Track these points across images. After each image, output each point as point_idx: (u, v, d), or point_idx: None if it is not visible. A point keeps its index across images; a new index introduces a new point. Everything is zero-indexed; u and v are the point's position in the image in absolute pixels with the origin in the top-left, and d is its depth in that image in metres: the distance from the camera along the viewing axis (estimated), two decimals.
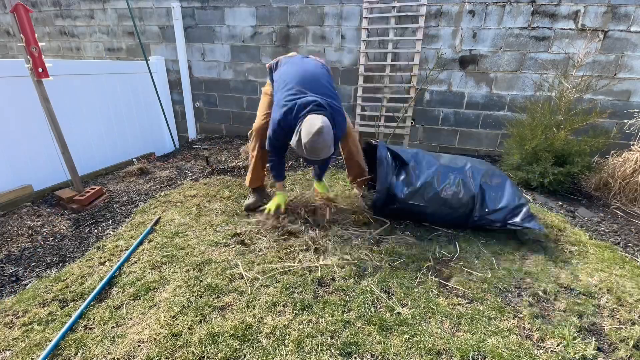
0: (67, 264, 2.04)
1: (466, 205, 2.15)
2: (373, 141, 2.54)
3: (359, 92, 3.96)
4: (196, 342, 1.41)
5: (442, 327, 1.49)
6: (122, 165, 3.76)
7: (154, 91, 4.30)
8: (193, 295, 1.68)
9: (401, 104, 3.87)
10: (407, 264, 1.93)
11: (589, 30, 3.23)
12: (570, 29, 3.30)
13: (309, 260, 1.95)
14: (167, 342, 1.42)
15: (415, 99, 3.80)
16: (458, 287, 1.74)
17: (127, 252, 2.05)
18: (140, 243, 2.18)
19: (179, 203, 2.75)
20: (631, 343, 1.41)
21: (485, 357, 1.35)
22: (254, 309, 1.59)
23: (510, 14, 3.40)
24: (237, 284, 1.76)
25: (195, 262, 1.94)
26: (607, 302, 1.65)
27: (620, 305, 1.64)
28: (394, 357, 1.34)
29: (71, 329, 1.51)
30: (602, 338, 1.46)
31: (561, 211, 2.67)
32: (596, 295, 1.71)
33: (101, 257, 2.04)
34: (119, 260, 1.97)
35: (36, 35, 2.45)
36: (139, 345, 1.41)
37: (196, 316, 1.55)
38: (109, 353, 1.39)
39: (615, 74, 3.32)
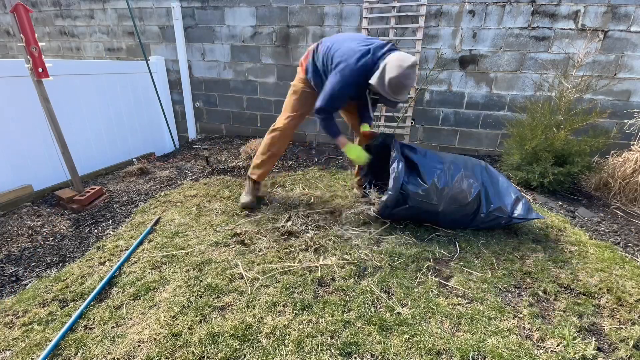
0: (67, 264, 2.04)
1: (473, 202, 2.14)
2: (380, 138, 2.43)
3: None
4: (196, 342, 1.41)
5: (442, 327, 1.49)
6: (122, 165, 3.76)
7: (154, 91, 4.30)
8: (193, 295, 1.68)
9: (401, 104, 3.87)
10: (407, 264, 1.93)
11: (589, 30, 3.23)
12: (570, 29, 3.30)
13: (309, 260, 1.95)
14: (167, 342, 1.42)
15: (415, 99, 3.80)
16: (458, 287, 1.74)
17: (127, 252, 2.05)
18: (140, 243, 2.18)
19: (179, 203, 2.75)
20: (631, 343, 1.41)
21: (485, 357, 1.35)
22: (254, 309, 1.59)
23: (510, 14, 3.40)
24: (237, 284, 1.76)
25: (195, 262, 1.94)
26: (607, 302, 1.65)
27: (620, 305, 1.64)
28: (394, 357, 1.35)
29: (71, 329, 1.51)
30: (602, 338, 1.46)
31: (561, 211, 2.67)
32: (596, 295, 1.71)
33: (101, 257, 2.04)
34: (119, 260, 1.97)
35: (36, 35, 2.45)
36: (139, 345, 1.41)
37: (196, 316, 1.55)
38: (109, 353, 1.39)
39: (615, 74, 3.32)
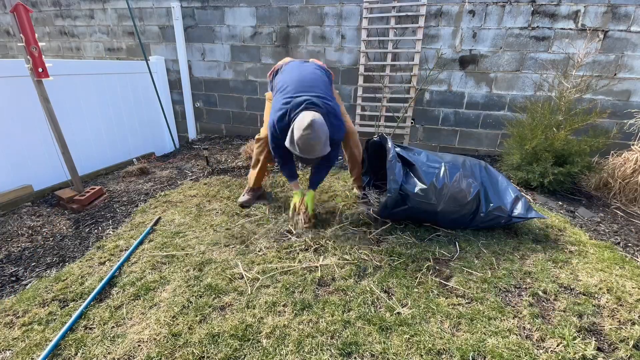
0: (67, 264, 2.04)
1: (472, 202, 2.14)
2: (376, 137, 2.48)
3: (359, 92, 3.96)
4: (196, 342, 1.41)
5: (442, 327, 1.49)
6: (122, 165, 3.76)
7: (154, 91, 4.30)
8: (193, 295, 1.68)
9: (401, 104, 3.87)
10: (407, 264, 1.93)
11: (589, 30, 3.23)
12: (570, 29, 3.30)
13: (309, 260, 1.95)
14: (167, 342, 1.42)
15: (415, 99, 3.80)
16: (458, 287, 1.74)
17: (127, 252, 2.05)
18: (140, 243, 2.18)
19: (179, 203, 2.75)
20: (631, 343, 1.41)
21: (485, 357, 1.35)
22: (254, 309, 1.59)
23: (510, 14, 3.40)
24: (237, 284, 1.76)
25: (195, 262, 1.94)
26: (607, 302, 1.65)
27: (620, 305, 1.64)
28: (394, 357, 1.34)
29: (71, 329, 1.51)
30: (602, 338, 1.46)
31: (561, 211, 2.67)
32: (596, 295, 1.71)
33: (101, 257, 2.04)
34: (119, 260, 1.97)
35: (36, 35, 2.45)
36: (139, 345, 1.41)
37: (196, 316, 1.55)
38: (109, 353, 1.39)
39: (615, 74, 3.32)
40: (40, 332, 1.50)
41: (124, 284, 1.79)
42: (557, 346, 1.39)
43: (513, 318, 1.54)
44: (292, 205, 2.36)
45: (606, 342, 1.44)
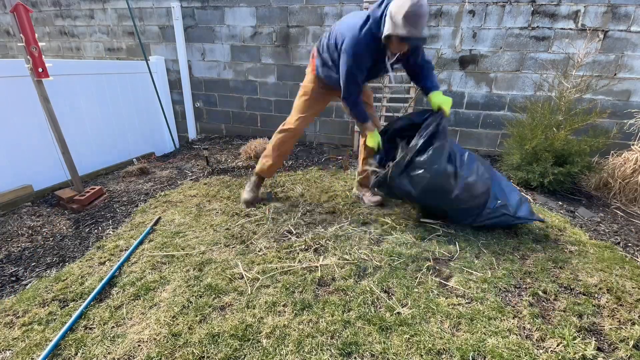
0: (67, 264, 2.04)
1: (483, 195, 2.14)
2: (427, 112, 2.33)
3: None
4: (196, 342, 1.41)
5: (442, 327, 1.49)
6: (122, 165, 3.76)
7: (154, 91, 4.30)
8: (193, 295, 1.68)
9: (401, 104, 3.87)
10: (407, 264, 1.93)
11: (589, 30, 3.23)
12: (570, 29, 3.30)
13: (309, 260, 1.95)
14: (167, 342, 1.42)
15: (415, 98, 3.80)
16: (458, 287, 1.74)
17: (127, 252, 2.05)
18: (140, 243, 2.18)
19: (179, 203, 2.75)
20: (631, 343, 1.41)
21: (485, 357, 1.35)
22: (254, 309, 1.59)
23: (510, 14, 3.40)
24: (237, 284, 1.76)
25: (195, 262, 1.94)
26: (607, 302, 1.65)
27: (620, 305, 1.64)
28: (394, 357, 1.34)
29: (71, 329, 1.51)
30: (602, 338, 1.46)
31: (561, 211, 2.67)
32: (596, 295, 1.71)
33: (101, 257, 2.04)
34: (119, 260, 1.97)
35: (36, 35, 2.45)
36: (139, 345, 1.41)
37: (196, 316, 1.55)
38: (109, 353, 1.39)
39: (615, 74, 3.32)
40: (40, 332, 1.50)
41: (124, 284, 1.79)
42: (557, 346, 1.39)
43: (513, 318, 1.54)
44: (374, 143, 2.28)
45: (606, 342, 1.44)
